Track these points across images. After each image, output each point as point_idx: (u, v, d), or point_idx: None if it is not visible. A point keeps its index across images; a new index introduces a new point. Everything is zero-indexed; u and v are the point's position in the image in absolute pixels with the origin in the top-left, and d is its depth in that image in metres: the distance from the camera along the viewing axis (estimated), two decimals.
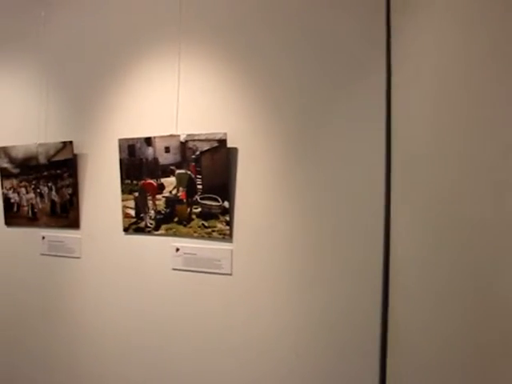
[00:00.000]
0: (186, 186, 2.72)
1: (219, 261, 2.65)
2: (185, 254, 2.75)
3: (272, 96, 2.54)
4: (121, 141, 2.90)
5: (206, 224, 2.67)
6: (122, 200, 2.92)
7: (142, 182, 2.86)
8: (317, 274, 2.40)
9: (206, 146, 2.64)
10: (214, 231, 2.66)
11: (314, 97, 2.44)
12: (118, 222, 2.95)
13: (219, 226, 2.63)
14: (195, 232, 2.70)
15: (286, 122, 2.50)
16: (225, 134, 2.58)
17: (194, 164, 2.68)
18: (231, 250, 2.62)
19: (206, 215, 2.67)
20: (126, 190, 2.91)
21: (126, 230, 2.93)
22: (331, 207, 2.38)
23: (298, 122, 2.47)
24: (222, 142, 2.58)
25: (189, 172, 2.70)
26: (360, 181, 2.33)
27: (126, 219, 2.92)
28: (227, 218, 2.60)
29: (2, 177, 3.39)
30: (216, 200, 2.63)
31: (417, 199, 1.78)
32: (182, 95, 2.79)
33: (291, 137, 2.49)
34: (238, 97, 2.64)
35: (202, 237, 2.69)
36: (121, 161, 2.91)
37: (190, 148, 2.69)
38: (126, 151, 2.89)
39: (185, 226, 2.73)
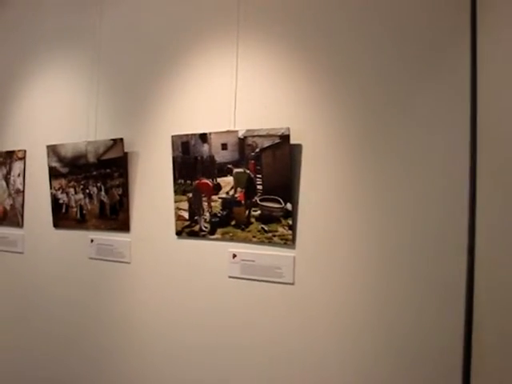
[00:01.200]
0: (245, 187, 2.48)
1: (280, 269, 2.39)
2: (242, 260, 2.51)
3: (343, 88, 2.28)
4: (174, 138, 2.69)
5: (266, 228, 2.42)
6: (175, 201, 2.71)
7: (197, 181, 2.64)
8: (390, 287, 2.11)
9: (266, 143, 2.39)
10: (274, 236, 2.41)
11: (393, 90, 2.16)
12: (171, 224, 2.74)
13: (281, 230, 2.38)
14: (254, 237, 2.46)
15: (358, 117, 2.24)
16: (287, 129, 2.33)
17: (253, 162, 2.44)
18: (293, 257, 2.36)
19: (267, 218, 2.42)
20: (179, 190, 2.70)
21: (178, 233, 2.71)
22: (408, 212, 2.10)
23: (371, 116, 2.20)
24: (285, 137, 2.33)
25: (248, 171, 2.46)
26: (441, 184, 2.04)
27: (179, 222, 2.70)
28: (290, 222, 2.35)
29: (50, 176, 3.25)
30: (278, 202, 2.38)
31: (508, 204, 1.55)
32: (240, 88, 2.57)
33: (363, 133, 2.22)
34: (302, 89, 2.39)
35: (261, 242, 2.45)
36: (174, 159, 2.70)
37: (249, 145, 2.45)
38: (180, 149, 2.68)
39: (243, 230, 2.49)
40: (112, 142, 2.94)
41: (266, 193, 2.43)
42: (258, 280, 2.47)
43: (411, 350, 2.07)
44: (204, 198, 2.63)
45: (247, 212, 2.49)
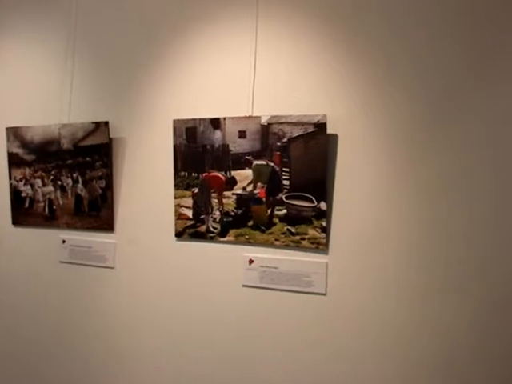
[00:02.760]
0: (267, 182, 2.13)
1: (309, 277, 2.08)
2: (261, 267, 2.16)
3: (392, 72, 1.98)
4: (177, 122, 2.28)
5: (292, 230, 2.09)
6: (176, 197, 2.30)
7: (205, 174, 2.25)
8: (443, 302, 1.86)
9: (297, 131, 2.06)
10: (303, 239, 2.08)
11: (450, 82, 1.89)
12: (169, 224, 2.34)
13: (312, 232, 2.05)
14: (277, 240, 2.12)
15: (405, 108, 1.96)
16: (324, 116, 2.01)
17: (279, 153, 2.10)
18: (326, 264, 2.05)
19: (294, 219, 2.09)
20: (181, 184, 2.29)
21: (179, 234, 2.31)
22: (464, 212, 1.86)
23: (423, 109, 1.93)
24: (321, 126, 2.01)
25: (271, 163, 2.11)
26: (505, 180, 1.79)
27: (180, 221, 2.30)
28: (323, 223, 2.03)
29: (10, 165, 2.71)
30: (309, 200, 2.05)
31: None
32: (260, 67, 2.21)
33: (411, 126, 1.95)
34: (337, 73, 2.09)
35: (286, 246, 2.11)
36: (175, 147, 2.30)
37: (274, 133, 2.10)
38: (184, 135, 2.27)
39: (263, 231, 2.14)
40: (94, 125, 2.48)
41: (294, 189, 2.09)
42: (280, 290, 2.15)
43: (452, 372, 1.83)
44: (213, 194, 2.24)
45: (269, 211, 2.14)
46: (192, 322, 2.30)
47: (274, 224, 2.14)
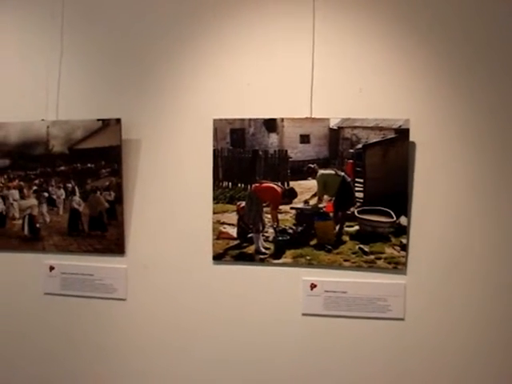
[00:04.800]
0: (336, 194, 1.85)
1: (385, 300, 1.85)
2: (326, 292, 1.89)
3: (483, 75, 1.81)
4: (218, 122, 1.91)
5: (366, 249, 1.85)
6: (215, 212, 1.92)
7: (255, 185, 1.92)
8: None
9: (374, 137, 1.82)
10: (379, 259, 1.84)
11: None
12: (204, 245, 1.96)
13: (389, 251, 1.83)
14: (347, 260, 1.86)
15: (498, 111, 1.79)
16: (407, 120, 1.80)
17: (351, 162, 1.84)
18: (404, 285, 1.83)
19: (368, 236, 1.85)
20: (222, 197, 1.93)
21: (218, 257, 1.94)
22: None
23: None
24: (403, 132, 1.79)
25: (342, 173, 1.84)
26: None
27: (220, 241, 1.94)
28: (403, 241, 1.81)
29: None
30: (387, 214, 1.82)
31: None
32: (320, 62, 1.91)
33: (505, 131, 1.78)
34: (414, 72, 1.87)
35: (357, 267, 1.86)
36: (216, 153, 1.92)
37: (345, 138, 1.84)
38: (228, 138, 1.91)
39: (329, 251, 1.86)
40: (100, 123, 1.99)
41: (368, 203, 1.85)
42: (349, 317, 1.87)
43: None
44: (266, 209, 1.90)
45: (337, 228, 1.87)
46: (238, 365, 1.94)
47: (343, 242, 1.87)
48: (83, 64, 2.10)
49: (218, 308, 1.98)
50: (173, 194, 2.01)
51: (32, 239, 2.11)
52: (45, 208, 2.09)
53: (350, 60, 1.90)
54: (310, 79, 1.90)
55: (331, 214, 1.88)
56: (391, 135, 1.82)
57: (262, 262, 1.93)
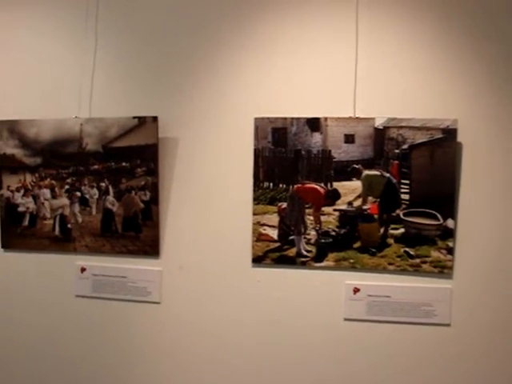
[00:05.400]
0: (381, 196, 1.80)
1: (430, 305, 1.80)
2: (369, 296, 1.83)
3: None
4: (260, 121, 1.86)
5: (411, 252, 1.79)
6: (255, 213, 1.87)
7: (297, 186, 1.87)
8: None
9: (420, 137, 1.78)
10: (424, 262, 1.79)
11: None
12: (243, 247, 1.91)
13: (435, 254, 1.78)
14: (391, 264, 1.81)
15: None
16: (455, 120, 1.76)
17: (397, 163, 1.80)
18: (450, 290, 1.78)
19: (414, 239, 1.80)
20: (263, 198, 1.87)
21: (258, 259, 1.89)
22: None
23: None
24: (451, 132, 1.75)
25: (387, 174, 1.80)
26: None
27: (260, 243, 1.88)
28: (450, 244, 1.76)
29: (0, 170, 2.04)
30: (433, 217, 1.78)
31: None
32: (363, 59, 1.86)
33: None
34: (464, 69, 1.82)
35: (402, 271, 1.81)
36: (257, 152, 1.87)
37: (391, 138, 1.79)
38: (270, 137, 1.86)
39: (372, 254, 1.81)
40: (136, 121, 1.94)
41: (414, 205, 1.80)
42: (393, 322, 1.82)
43: None
44: (308, 210, 1.85)
45: (382, 230, 1.82)
46: (277, 373, 1.88)
47: (388, 245, 1.82)
48: (118, 59, 2.05)
49: (256, 313, 1.92)
50: (210, 195, 1.95)
51: (63, 240, 2.05)
52: (77, 208, 2.03)
53: (395, 59, 1.85)
54: (353, 77, 1.86)
55: (376, 216, 1.84)
56: (438, 135, 1.77)
57: (304, 265, 1.88)
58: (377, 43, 1.86)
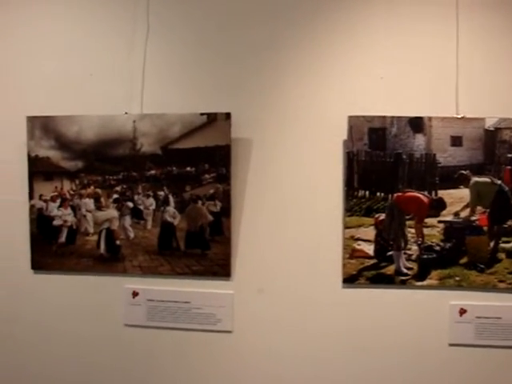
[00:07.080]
0: (491, 205, 1.62)
1: None
2: (478, 318, 1.63)
3: None
4: (354, 120, 1.63)
5: None
6: (347, 226, 1.62)
7: (398, 195, 1.64)
8: None
9: None
10: None
11: None
12: (332, 265, 1.67)
13: None
14: (502, 281, 1.63)
15: None
16: None
17: (510, 168, 1.61)
18: None
19: None
20: (357, 208, 1.64)
21: (350, 279, 1.65)
22: None
23: None
24: None
25: (498, 181, 1.61)
26: None
27: (354, 261, 1.64)
28: None
29: (31, 176, 1.68)
30: None
31: None
32: (464, 54, 1.67)
33: None
34: None
35: None
36: (350, 156, 1.63)
37: (503, 141, 1.62)
38: (366, 139, 1.62)
39: (481, 271, 1.62)
40: (204, 118, 1.64)
41: None
42: (505, 347, 1.64)
43: None
44: (410, 222, 1.63)
45: (492, 244, 1.62)
46: None
47: (499, 261, 1.64)
48: (174, 45, 1.73)
49: (346, 341, 1.67)
50: (292, 205, 1.69)
51: (110, 259, 1.71)
52: (128, 221, 1.70)
53: (500, 56, 1.66)
54: (454, 75, 1.64)
55: (485, 228, 1.64)
56: None
57: (403, 284, 1.65)
58: (479, 39, 1.66)
